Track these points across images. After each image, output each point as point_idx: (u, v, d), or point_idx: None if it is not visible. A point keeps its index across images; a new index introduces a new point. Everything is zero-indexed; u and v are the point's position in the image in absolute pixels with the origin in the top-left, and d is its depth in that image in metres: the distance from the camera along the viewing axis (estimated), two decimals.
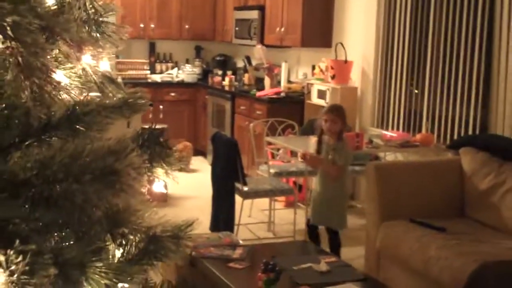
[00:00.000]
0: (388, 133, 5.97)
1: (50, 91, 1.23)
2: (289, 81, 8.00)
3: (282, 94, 7.53)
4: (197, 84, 9.42)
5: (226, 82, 8.90)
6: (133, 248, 1.46)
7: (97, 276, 1.20)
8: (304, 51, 7.79)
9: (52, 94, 1.25)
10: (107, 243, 1.39)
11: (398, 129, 6.40)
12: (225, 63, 9.67)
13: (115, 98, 1.51)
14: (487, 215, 4.51)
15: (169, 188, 6.85)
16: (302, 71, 7.85)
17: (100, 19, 1.37)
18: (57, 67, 1.22)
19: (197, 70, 9.60)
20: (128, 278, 1.44)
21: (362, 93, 6.79)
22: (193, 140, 8.98)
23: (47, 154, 1.20)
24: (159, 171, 1.55)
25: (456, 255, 3.86)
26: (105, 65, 1.47)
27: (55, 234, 1.25)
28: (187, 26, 9.43)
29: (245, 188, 5.41)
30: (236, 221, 5.46)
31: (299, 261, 3.87)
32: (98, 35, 1.34)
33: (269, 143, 6.34)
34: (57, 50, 1.28)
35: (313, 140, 5.03)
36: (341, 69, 6.64)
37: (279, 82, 8.03)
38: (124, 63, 9.16)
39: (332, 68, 6.66)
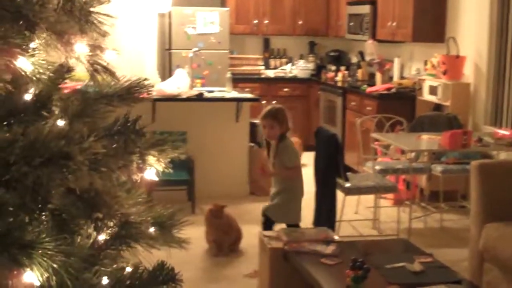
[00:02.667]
0: (501, 131, 5.72)
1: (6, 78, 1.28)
2: (402, 77, 7.84)
3: (393, 90, 7.39)
4: (310, 80, 9.42)
5: (339, 77, 8.84)
6: (106, 234, 1.49)
7: (46, 259, 1.23)
8: (417, 46, 7.60)
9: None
10: (84, 227, 1.42)
11: None
12: (339, 59, 9.60)
13: (110, 87, 1.53)
14: None
15: None
16: (415, 67, 7.66)
17: (90, 9, 1.39)
18: (23, 55, 1.27)
19: (310, 65, 9.60)
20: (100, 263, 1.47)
21: (475, 89, 6.54)
22: (305, 135, 8.98)
23: (8, 138, 1.25)
24: (151, 159, 1.56)
25: None
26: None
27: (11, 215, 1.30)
28: (300, 22, 9.44)
29: (347, 184, 5.36)
30: (338, 217, 5.42)
31: (393, 259, 3.79)
32: (85, 24, 1.37)
33: (376, 140, 6.24)
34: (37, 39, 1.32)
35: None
36: (453, 64, 6.43)
37: (391, 78, 7.89)
38: (239, 58, 9.31)
39: (443, 63, 6.46)
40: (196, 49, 7.80)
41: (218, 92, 7.04)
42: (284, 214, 4.84)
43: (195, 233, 5.47)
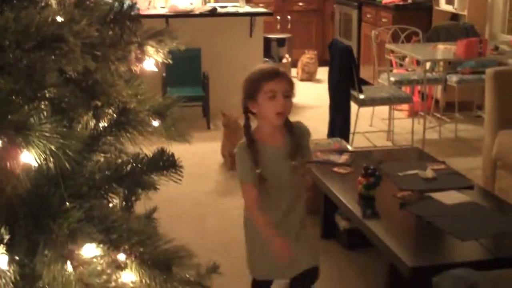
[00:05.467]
0: None
1: None
2: None
3: (409, 1, 7.26)
4: None
5: None
6: (106, 120, 1.51)
7: (43, 141, 1.25)
8: None
9: None
10: (83, 116, 1.44)
11: None
12: None
13: None
14: None
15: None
16: None
17: None
18: None
19: None
20: (99, 149, 1.50)
21: None
22: (320, 50, 8.90)
23: (0, 24, 1.25)
24: (150, 50, 1.56)
25: None
26: None
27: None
28: None
29: (361, 96, 5.34)
30: (352, 130, 5.43)
31: (406, 167, 3.82)
32: None
33: (392, 51, 6.18)
34: None
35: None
36: None
37: None
38: None
39: None
40: None
41: (232, 7, 6.95)
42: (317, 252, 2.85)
43: (210, 148, 5.58)
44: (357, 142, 5.51)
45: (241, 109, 2.56)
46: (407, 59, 6.46)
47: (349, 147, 4.38)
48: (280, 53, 7.09)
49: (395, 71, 6.42)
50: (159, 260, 1.48)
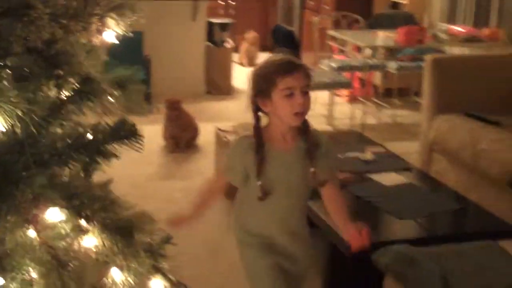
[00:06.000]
0: (455, 28, 5.78)
1: None
2: None
3: None
4: None
5: None
6: (68, 90, 1.52)
7: (9, 106, 1.26)
8: None
9: None
10: (45, 84, 1.45)
11: (467, 24, 6.17)
12: None
13: None
14: None
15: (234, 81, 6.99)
16: None
17: None
18: None
19: None
20: (62, 117, 1.51)
21: None
22: (261, 35, 8.94)
23: None
24: (110, 22, 1.57)
25: (507, 148, 3.79)
26: None
27: None
28: None
29: None
30: None
31: (346, 150, 3.90)
32: None
33: (333, 37, 6.26)
34: None
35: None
36: None
37: None
38: None
39: None
40: None
41: None
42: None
43: (152, 131, 5.54)
44: None
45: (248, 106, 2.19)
46: (348, 46, 6.56)
47: None
48: (223, 38, 7.09)
49: (336, 57, 6.51)
50: (121, 225, 1.51)
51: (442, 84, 4.48)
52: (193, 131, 5.27)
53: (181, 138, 5.18)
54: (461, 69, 4.57)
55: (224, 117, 5.81)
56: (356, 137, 4.47)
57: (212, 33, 7.05)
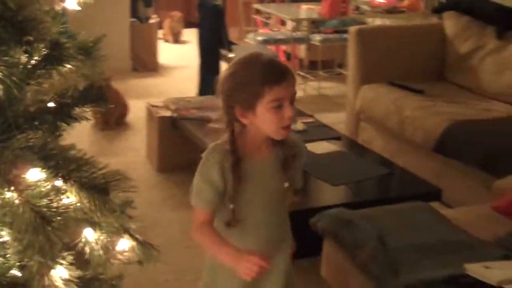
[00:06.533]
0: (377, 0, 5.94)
1: None
2: None
3: None
4: None
5: None
6: (38, 55, 1.56)
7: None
8: None
9: None
10: (15, 50, 1.48)
11: None
12: None
13: None
14: (465, 78, 4.59)
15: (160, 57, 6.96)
16: None
17: None
18: None
19: None
20: (34, 82, 1.55)
21: None
22: (185, 12, 8.91)
23: None
24: None
25: (430, 115, 3.96)
26: None
27: None
28: None
29: (230, 55, 5.45)
30: None
31: None
32: None
33: (258, 11, 6.32)
34: None
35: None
36: None
37: None
38: None
39: None
40: None
41: None
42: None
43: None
44: None
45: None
46: (272, 19, 6.64)
47: None
48: (147, 14, 7.04)
49: (261, 31, 6.59)
50: (97, 184, 1.54)
51: (365, 55, 4.62)
52: (123, 108, 5.25)
53: (111, 115, 5.15)
54: (384, 40, 4.73)
55: (152, 94, 5.81)
56: None
57: (136, 9, 6.99)
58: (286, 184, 1.87)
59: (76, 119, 1.74)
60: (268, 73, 1.76)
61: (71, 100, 1.69)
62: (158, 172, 4.30)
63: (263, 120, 1.78)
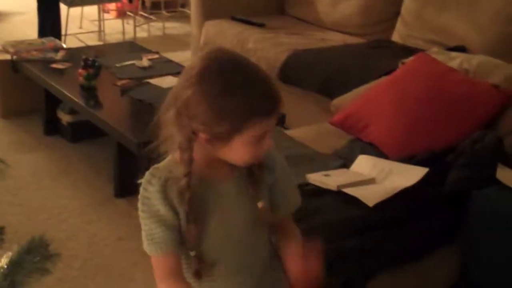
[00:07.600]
0: None
1: None
2: None
3: None
4: None
5: None
6: None
7: None
8: None
9: None
10: None
11: None
12: None
13: None
14: (304, 11, 4.77)
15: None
16: None
17: None
18: None
19: None
20: None
21: None
22: None
23: None
24: None
25: (272, 46, 4.11)
26: None
27: None
28: None
29: None
30: (64, 32, 5.40)
31: (123, 59, 3.99)
32: None
33: None
34: None
35: None
36: None
37: None
38: None
39: None
40: None
41: None
42: None
43: None
44: (69, 43, 5.47)
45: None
46: None
47: (64, 45, 4.40)
48: None
49: None
50: None
51: None
52: None
53: None
54: None
55: None
56: (130, 47, 4.57)
57: None
58: (260, 204, 1.41)
59: None
60: (258, 106, 1.30)
61: None
62: (2, 118, 4.16)
63: (235, 153, 1.34)
